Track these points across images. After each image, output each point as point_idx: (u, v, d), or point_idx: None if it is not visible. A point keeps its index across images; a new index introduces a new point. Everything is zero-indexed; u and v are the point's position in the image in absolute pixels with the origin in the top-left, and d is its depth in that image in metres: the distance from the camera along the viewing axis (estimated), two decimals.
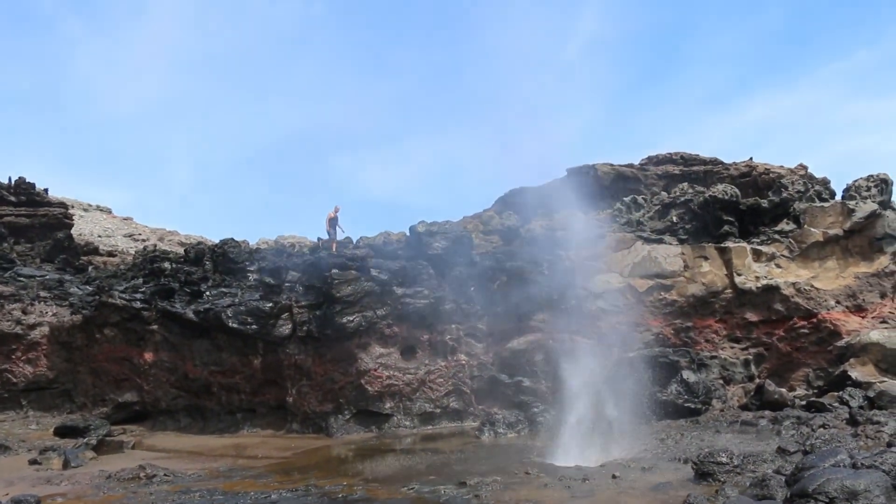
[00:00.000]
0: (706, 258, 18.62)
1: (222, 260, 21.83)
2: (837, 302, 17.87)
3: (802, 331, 17.83)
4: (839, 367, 16.96)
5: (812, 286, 17.96)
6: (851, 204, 18.45)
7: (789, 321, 17.92)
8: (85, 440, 15.91)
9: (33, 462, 14.54)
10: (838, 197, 19.82)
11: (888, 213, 18.43)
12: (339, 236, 23.97)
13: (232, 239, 22.89)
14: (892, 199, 19.62)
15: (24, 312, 21.07)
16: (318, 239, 23.98)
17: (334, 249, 21.67)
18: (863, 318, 17.75)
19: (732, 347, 18.25)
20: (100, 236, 33.47)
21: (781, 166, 21.24)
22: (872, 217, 18.17)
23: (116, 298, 20.09)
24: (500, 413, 16.93)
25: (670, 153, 22.26)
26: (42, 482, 12.47)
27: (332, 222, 23.71)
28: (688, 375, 16.87)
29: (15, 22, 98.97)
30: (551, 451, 13.01)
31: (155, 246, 29.17)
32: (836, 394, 16.17)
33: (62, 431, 17.43)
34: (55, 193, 30.05)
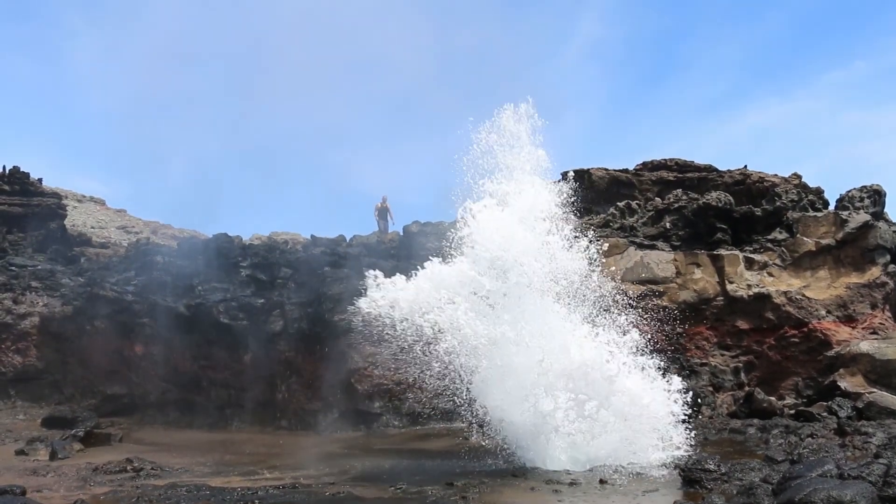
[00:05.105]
0: (698, 265, 18.64)
1: (215, 255, 21.78)
2: (828, 312, 17.92)
3: (793, 340, 17.87)
4: (828, 376, 17.02)
5: (803, 295, 18.01)
6: (844, 214, 18.50)
7: (780, 330, 17.95)
8: (72, 432, 15.84)
9: (20, 453, 14.49)
10: (831, 207, 19.86)
11: (881, 224, 18.50)
12: (391, 227, 23.38)
13: (225, 234, 22.83)
14: (885, 210, 19.69)
15: (15, 302, 21.00)
16: (311, 236, 23.88)
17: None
18: (853, 328, 17.80)
19: (723, 355, 18.29)
20: (93, 228, 33.32)
21: (776, 175, 21.23)
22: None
23: (107, 290, 20.04)
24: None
25: (665, 159, 22.22)
26: (28, 473, 12.41)
27: (382, 213, 23.17)
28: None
29: (14, 10, 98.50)
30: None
31: (148, 239, 29.05)
32: (824, 403, 16.21)
33: (50, 422, 17.39)
34: (49, 183, 29.89)
